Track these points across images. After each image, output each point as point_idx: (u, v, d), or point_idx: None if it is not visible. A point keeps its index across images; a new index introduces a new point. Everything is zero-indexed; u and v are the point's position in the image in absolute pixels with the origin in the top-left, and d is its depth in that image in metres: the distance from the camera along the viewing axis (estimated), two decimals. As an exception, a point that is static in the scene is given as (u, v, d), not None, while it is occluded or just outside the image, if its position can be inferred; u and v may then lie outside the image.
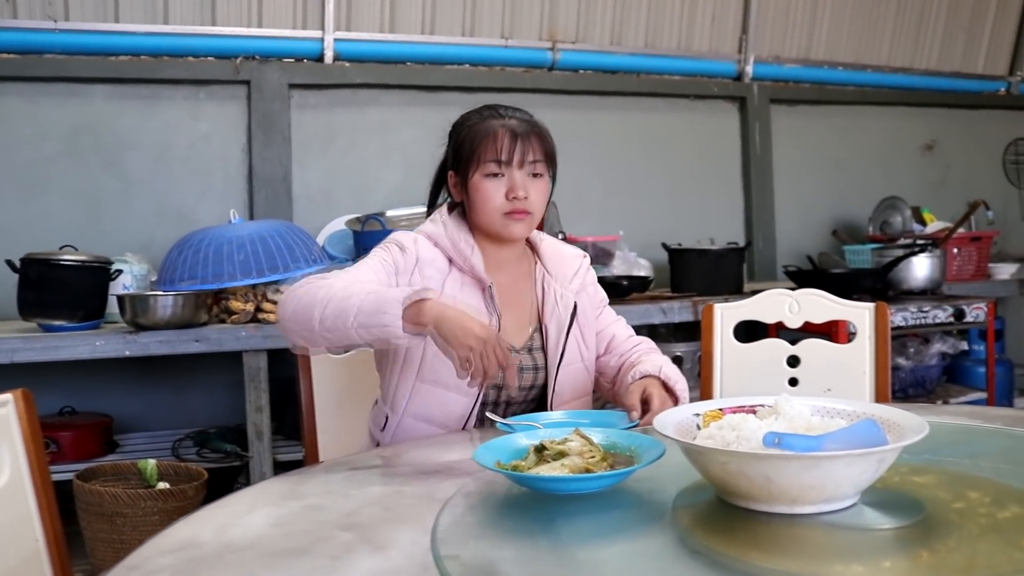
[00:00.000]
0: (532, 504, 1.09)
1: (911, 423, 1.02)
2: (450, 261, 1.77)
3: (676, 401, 1.67)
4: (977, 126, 5.47)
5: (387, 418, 1.76)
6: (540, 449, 1.12)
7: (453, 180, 1.80)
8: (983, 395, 3.90)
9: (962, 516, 0.96)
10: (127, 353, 2.87)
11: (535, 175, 1.74)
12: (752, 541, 0.93)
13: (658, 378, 1.69)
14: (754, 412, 1.15)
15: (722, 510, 1.01)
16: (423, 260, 1.74)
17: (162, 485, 2.78)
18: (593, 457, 1.10)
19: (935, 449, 0.99)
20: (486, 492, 1.15)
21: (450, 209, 1.84)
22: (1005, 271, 4.51)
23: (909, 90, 5.15)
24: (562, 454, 1.10)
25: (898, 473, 1.04)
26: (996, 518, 0.96)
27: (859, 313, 2.12)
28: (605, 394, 1.92)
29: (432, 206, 1.91)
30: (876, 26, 4.96)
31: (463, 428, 1.71)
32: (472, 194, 1.73)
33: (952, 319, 3.62)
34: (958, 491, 1.05)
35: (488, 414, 1.56)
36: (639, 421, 1.55)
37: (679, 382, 1.71)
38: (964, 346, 3.98)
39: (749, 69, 4.66)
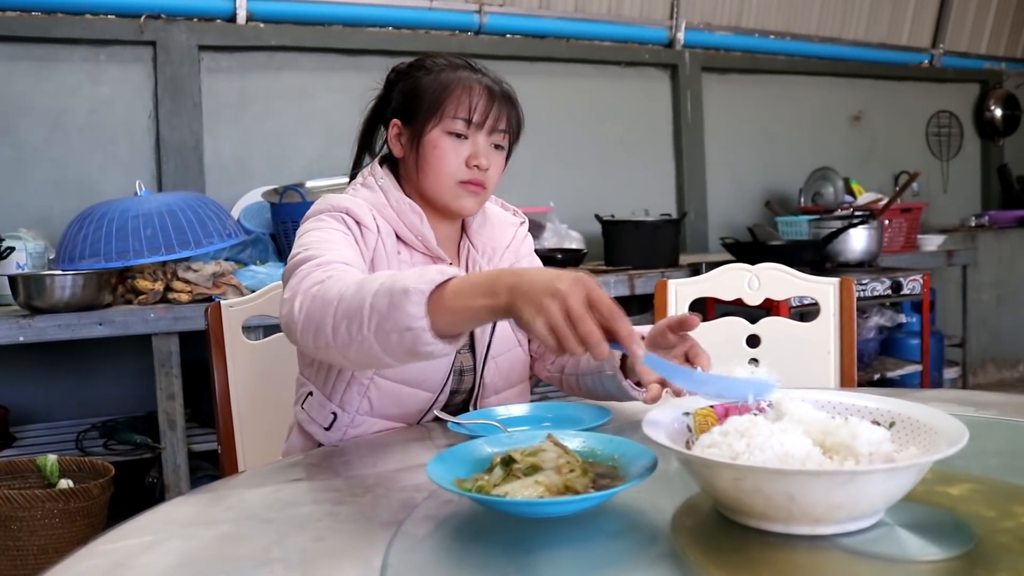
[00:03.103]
0: (501, 530, 0.91)
1: (944, 425, 0.87)
2: (396, 235, 1.49)
3: None
4: (902, 98, 5.49)
5: (336, 416, 1.48)
6: (507, 461, 0.94)
7: (396, 130, 1.53)
8: (918, 368, 3.88)
9: (1022, 542, 0.80)
10: (21, 339, 2.62)
11: (497, 147, 1.52)
12: (776, 574, 0.77)
13: None
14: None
15: (728, 531, 0.85)
16: (382, 235, 1.46)
17: (64, 483, 2.55)
18: (573, 471, 0.93)
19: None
20: (443, 514, 0.97)
21: (380, 165, 1.57)
22: (932, 243, 4.53)
23: (837, 60, 5.14)
24: (535, 468, 0.93)
25: (923, 482, 0.88)
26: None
27: (823, 289, 1.99)
28: (553, 382, 1.64)
29: (359, 163, 1.63)
30: (806, -6, 4.90)
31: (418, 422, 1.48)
32: (425, 151, 1.47)
33: (890, 291, 3.57)
34: (1001, 506, 0.90)
35: (438, 412, 1.35)
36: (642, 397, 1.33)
37: None
38: (902, 319, 3.96)
39: (680, 36, 4.55)
